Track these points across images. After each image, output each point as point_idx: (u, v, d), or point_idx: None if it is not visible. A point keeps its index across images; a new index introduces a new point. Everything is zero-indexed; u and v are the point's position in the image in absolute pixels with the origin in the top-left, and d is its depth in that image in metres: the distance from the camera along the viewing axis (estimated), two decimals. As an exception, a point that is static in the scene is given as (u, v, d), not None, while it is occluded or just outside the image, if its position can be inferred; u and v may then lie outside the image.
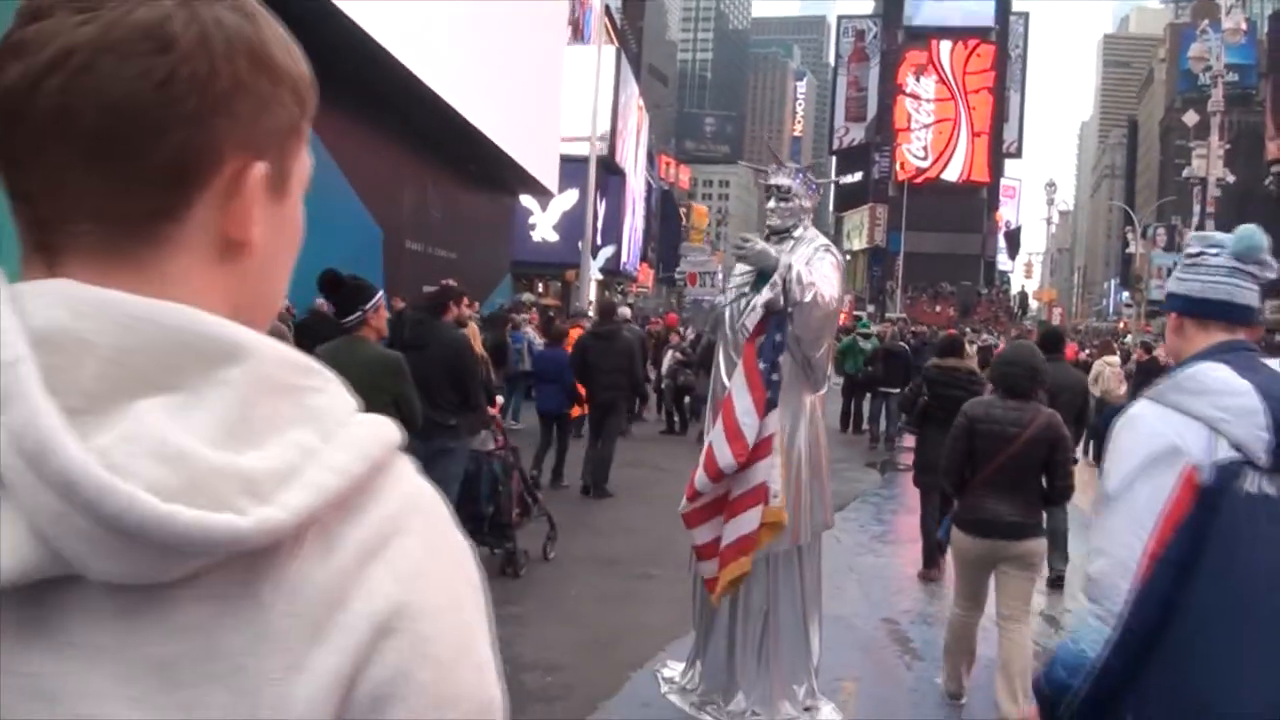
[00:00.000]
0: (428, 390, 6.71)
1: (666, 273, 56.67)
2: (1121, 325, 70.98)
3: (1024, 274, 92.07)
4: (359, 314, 6.23)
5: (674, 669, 6.22)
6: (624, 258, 54.66)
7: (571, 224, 37.69)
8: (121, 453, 0.68)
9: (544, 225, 43.70)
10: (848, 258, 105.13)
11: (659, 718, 5.80)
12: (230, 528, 0.68)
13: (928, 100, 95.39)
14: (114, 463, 0.67)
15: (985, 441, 5.90)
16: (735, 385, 5.41)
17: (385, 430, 0.78)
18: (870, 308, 73.75)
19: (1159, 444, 2.47)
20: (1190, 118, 46.18)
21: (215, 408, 0.72)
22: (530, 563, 8.64)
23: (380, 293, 6.49)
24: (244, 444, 0.72)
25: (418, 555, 0.75)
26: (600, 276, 47.37)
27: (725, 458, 5.31)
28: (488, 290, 37.69)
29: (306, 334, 9.86)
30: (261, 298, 0.85)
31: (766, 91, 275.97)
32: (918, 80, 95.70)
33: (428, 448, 6.76)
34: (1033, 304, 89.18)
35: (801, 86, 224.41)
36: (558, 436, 12.81)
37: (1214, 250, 2.72)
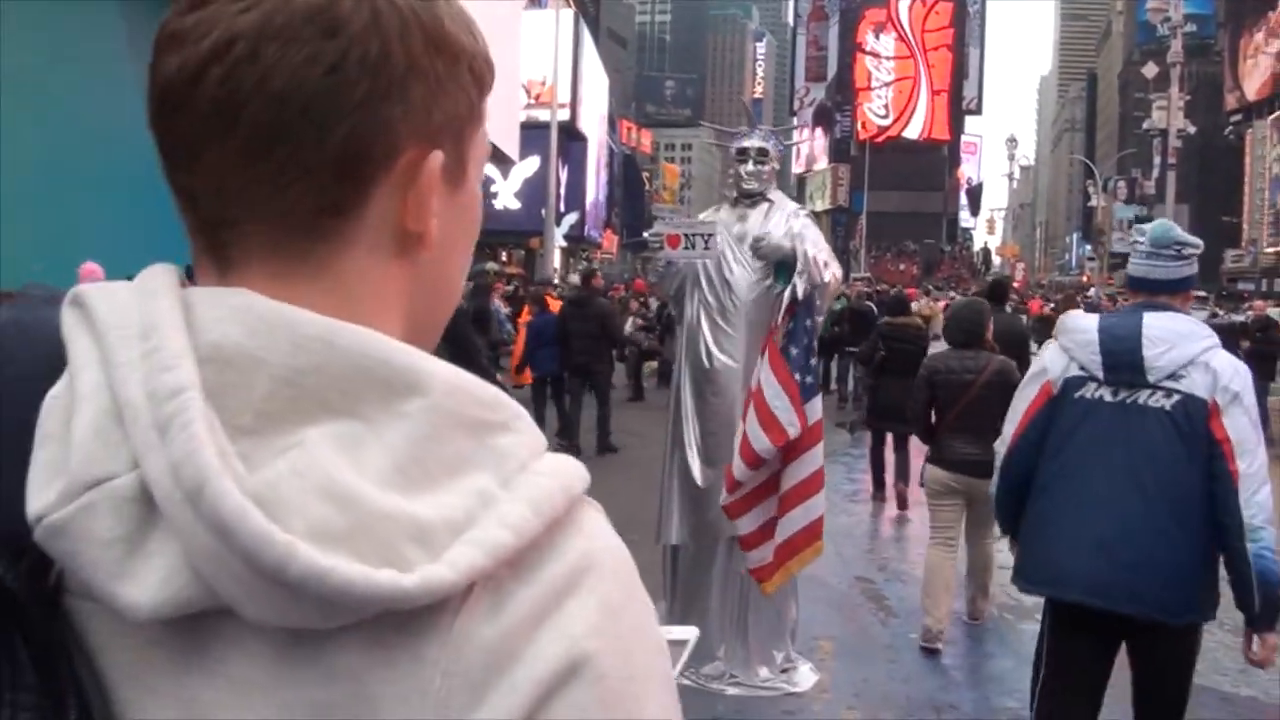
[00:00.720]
0: None
1: (631, 239, 56.51)
2: (1085, 278, 71.45)
3: (986, 230, 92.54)
4: None
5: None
6: (587, 224, 54.49)
7: (534, 191, 37.50)
8: (288, 487, 0.64)
9: (506, 193, 43.41)
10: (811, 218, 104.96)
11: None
12: (394, 587, 0.63)
13: (888, 58, 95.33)
14: (279, 497, 0.64)
15: (945, 390, 6.59)
16: (763, 373, 5.44)
17: (570, 478, 0.71)
18: (835, 268, 73.83)
19: (1036, 367, 3.96)
20: (1149, 69, 46.50)
21: (392, 443, 0.67)
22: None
23: None
24: (419, 487, 0.67)
25: (593, 617, 0.68)
26: (564, 244, 47.21)
27: (762, 443, 5.33)
28: (452, 260, 37.45)
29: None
30: (440, 291, 0.82)
31: (726, 53, 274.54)
32: (877, 38, 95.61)
33: None
34: (995, 260, 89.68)
35: (761, 47, 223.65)
36: (553, 396, 13.78)
37: (1140, 240, 3.89)
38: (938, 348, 8.49)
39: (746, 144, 6.03)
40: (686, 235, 5.79)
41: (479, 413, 0.70)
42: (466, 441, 0.69)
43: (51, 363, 0.70)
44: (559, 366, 13.51)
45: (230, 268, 0.74)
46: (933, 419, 6.71)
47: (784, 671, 5.83)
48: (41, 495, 0.65)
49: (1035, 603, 7.60)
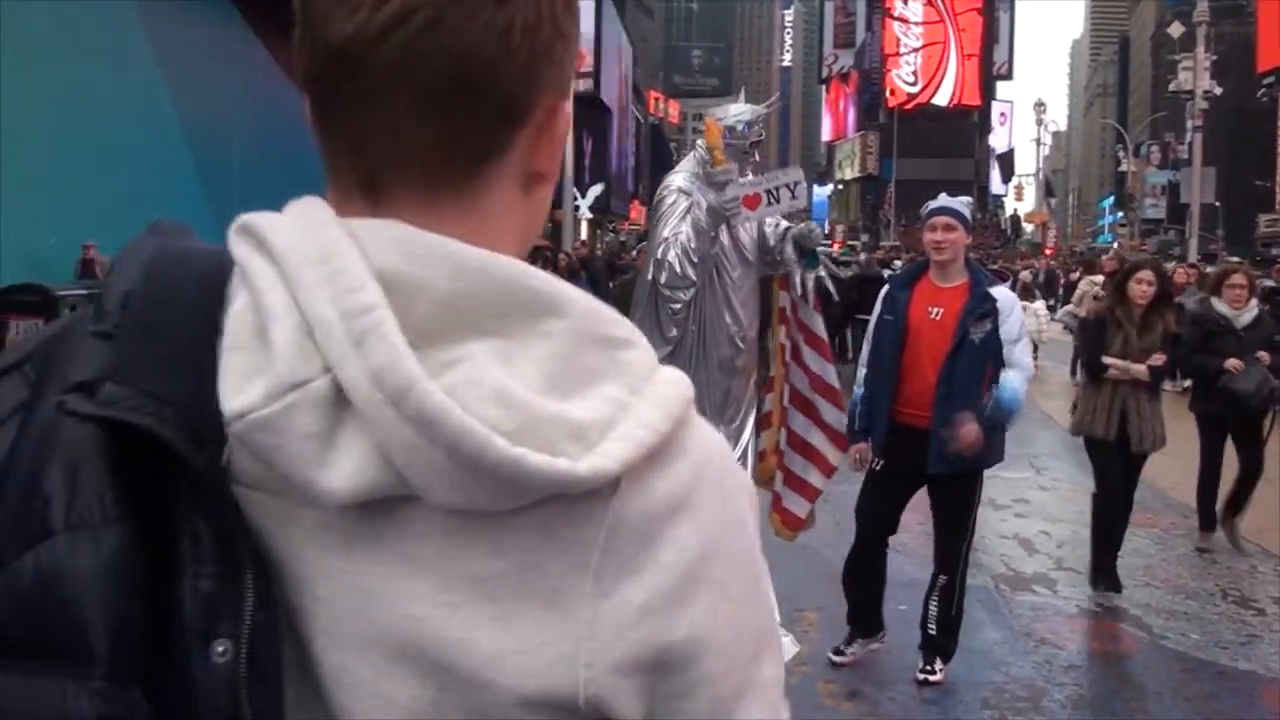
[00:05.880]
0: None
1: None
2: (1116, 245, 70.67)
3: (1015, 197, 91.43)
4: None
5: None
6: (613, 196, 54.29)
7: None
8: (466, 393, 0.74)
9: (530, 165, 43.27)
10: (840, 187, 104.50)
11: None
12: (570, 472, 0.75)
13: (915, 23, 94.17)
14: (460, 401, 0.73)
15: None
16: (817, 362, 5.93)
17: (685, 387, 0.84)
18: (864, 237, 73.39)
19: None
20: (1175, 29, 45.74)
21: (538, 358, 0.78)
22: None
23: None
24: (565, 394, 0.78)
25: (717, 506, 0.82)
26: (590, 215, 47.06)
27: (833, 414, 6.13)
28: (474, 233, 37.34)
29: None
30: (539, 219, 0.94)
31: (754, 21, 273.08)
32: (905, 3, 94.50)
33: None
34: (1026, 227, 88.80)
35: (789, 14, 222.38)
36: None
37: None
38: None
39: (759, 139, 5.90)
40: (767, 191, 5.41)
41: (608, 330, 0.81)
42: (599, 357, 0.80)
43: (203, 284, 0.80)
44: None
45: (383, 203, 0.82)
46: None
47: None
48: (242, 395, 0.75)
49: (1034, 572, 7.55)
